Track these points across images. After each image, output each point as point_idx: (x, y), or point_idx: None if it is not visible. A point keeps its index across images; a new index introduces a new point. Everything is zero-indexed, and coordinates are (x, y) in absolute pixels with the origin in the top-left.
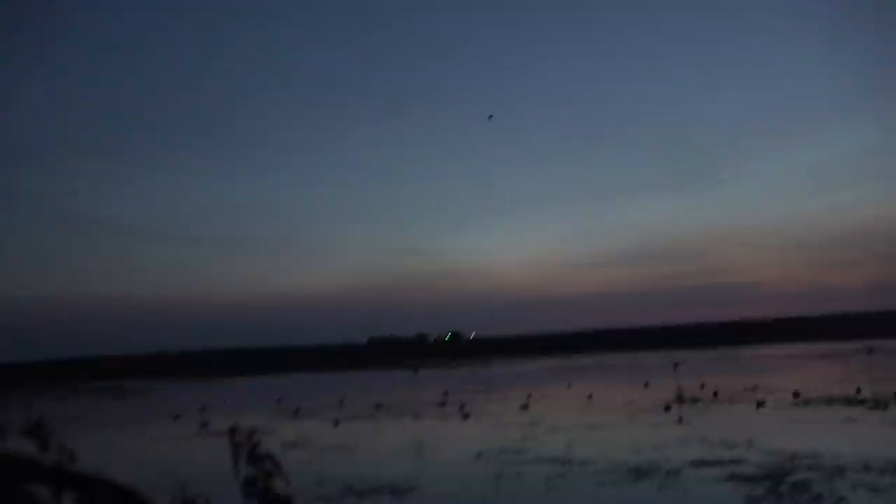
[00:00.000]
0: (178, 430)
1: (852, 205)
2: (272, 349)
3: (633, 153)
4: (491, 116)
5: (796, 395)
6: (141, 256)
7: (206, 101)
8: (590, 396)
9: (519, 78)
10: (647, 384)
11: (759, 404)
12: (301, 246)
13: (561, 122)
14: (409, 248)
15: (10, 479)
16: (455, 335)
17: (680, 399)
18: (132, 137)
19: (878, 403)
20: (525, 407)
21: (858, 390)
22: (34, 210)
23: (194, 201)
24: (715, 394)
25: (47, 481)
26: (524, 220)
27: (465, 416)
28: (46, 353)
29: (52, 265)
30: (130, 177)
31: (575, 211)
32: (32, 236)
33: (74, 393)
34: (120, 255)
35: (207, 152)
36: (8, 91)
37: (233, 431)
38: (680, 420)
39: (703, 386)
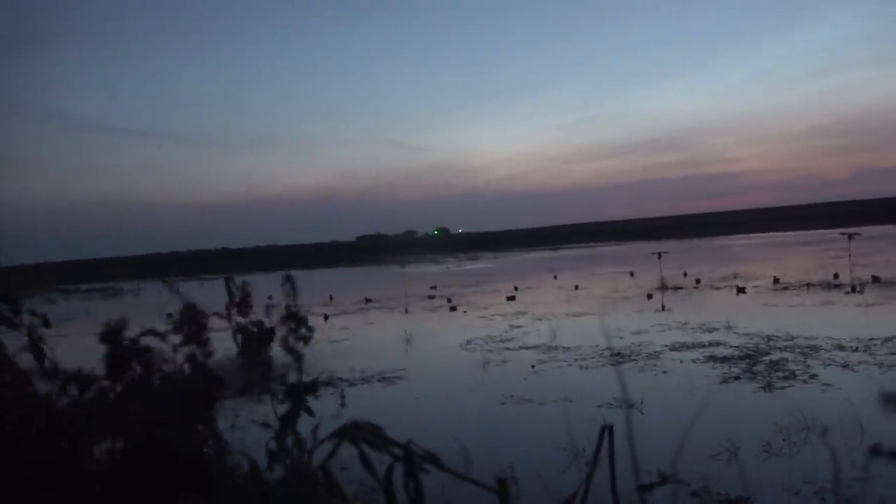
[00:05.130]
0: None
1: (847, 91)
2: (261, 248)
3: (624, 42)
4: None
5: (776, 281)
6: (127, 157)
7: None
8: (576, 286)
9: None
10: (632, 273)
11: (740, 290)
12: (288, 145)
13: (549, 10)
14: (396, 146)
15: None
16: (443, 230)
17: (663, 287)
18: (110, 26)
19: (855, 287)
20: (512, 298)
21: (836, 275)
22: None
23: (179, 99)
24: (697, 281)
25: None
26: (512, 114)
27: (453, 308)
28: (32, 256)
29: (31, 166)
30: (107, 70)
31: (562, 104)
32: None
33: (65, 294)
34: (102, 156)
35: (187, 46)
36: None
37: (227, 280)
38: (662, 307)
39: (685, 274)
